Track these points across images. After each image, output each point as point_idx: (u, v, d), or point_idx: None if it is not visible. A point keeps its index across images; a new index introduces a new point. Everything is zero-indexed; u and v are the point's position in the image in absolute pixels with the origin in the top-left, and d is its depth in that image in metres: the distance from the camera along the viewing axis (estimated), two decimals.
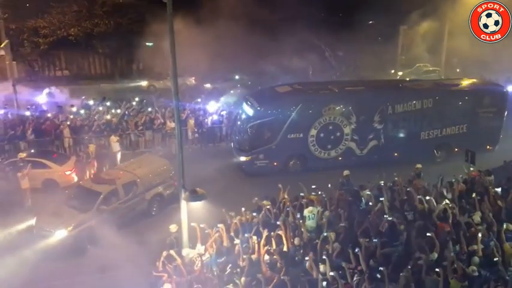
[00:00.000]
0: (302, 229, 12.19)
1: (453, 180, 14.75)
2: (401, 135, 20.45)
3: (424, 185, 14.96)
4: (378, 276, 10.14)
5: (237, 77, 35.79)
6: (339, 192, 14.34)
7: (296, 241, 11.72)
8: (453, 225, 11.96)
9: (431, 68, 38.10)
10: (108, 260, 12.78)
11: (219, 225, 12.45)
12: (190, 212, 12.03)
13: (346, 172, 15.78)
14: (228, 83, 33.82)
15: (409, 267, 10.19)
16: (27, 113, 24.09)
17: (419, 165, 16.25)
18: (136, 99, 27.98)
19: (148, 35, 32.64)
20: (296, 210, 13.21)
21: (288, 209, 13.33)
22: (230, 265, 11.14)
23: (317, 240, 11.68)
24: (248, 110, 20.30)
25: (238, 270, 10.80)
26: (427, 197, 13.48)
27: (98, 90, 33.73)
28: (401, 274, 9.98)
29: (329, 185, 14.98)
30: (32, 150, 19.72)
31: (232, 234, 12.38)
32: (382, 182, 14.71)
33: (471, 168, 16.21)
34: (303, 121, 19.52)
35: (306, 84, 22.76)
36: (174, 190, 16.83)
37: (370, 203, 13.61)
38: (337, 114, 19.68)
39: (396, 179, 15.01)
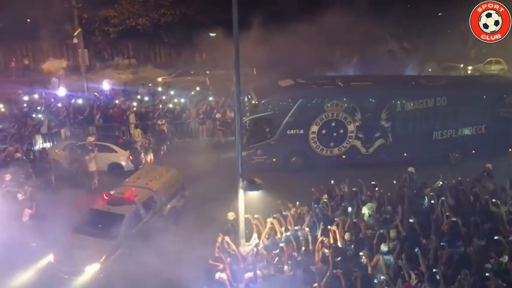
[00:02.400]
0: (361, 225, 12.05)
1: None
2: (412, 134, 19.21)
3: (491, 186, 14.27)
4: (438, 277, 9.83)
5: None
6: (399, 188, 13.98)
7: (346, 236, 11.57)
8: None
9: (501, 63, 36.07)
10: None
11: (268, 219, 12.45)
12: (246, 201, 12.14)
13: (410, 169, 15.28)
14: None
15: (470, 271, 9.81)
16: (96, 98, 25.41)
17: (489, 165, 15.48)
18: (197, 88, 28.54)
19: (212, 25, 33.11)
20: (354, 205, 13.04)
21: (343, 203, 13.23)
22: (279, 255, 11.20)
23: (375, 241, 11.45)
24: (248, 103, 19.92)
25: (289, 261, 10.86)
26: (493, 199, 12.87)
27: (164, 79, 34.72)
28: (459, 278, 9.63)
29: (394, 181, 14.60)
30: (100, 135, 20.74)
31: (288, 226, 12.39)
32: (441, 181, 14.22)
33: None
34: (303, 117, 18.79)
35: (311, 78, 21.83)
36: (184, 201, 16.12)
37: (433, 201, 13.20)
38: (340, 111, 18.83)
39: (460, 178, 14.42)
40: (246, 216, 12.16)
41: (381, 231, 11.54)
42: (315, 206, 13.08)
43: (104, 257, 12.65)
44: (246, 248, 11.96)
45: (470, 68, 36.77)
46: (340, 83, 20.28)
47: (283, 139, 18.94)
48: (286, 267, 10.66)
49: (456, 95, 19.50)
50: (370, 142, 19.31)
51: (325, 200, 13.34)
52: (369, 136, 19.23)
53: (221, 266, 10.76)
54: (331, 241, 11.56)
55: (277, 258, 11.02)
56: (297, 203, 13.37)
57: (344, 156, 19.34)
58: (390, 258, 10.64)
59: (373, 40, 33.04)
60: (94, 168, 17.88)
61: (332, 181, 14.33)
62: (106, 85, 28.70)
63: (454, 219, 11.70)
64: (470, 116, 19.40)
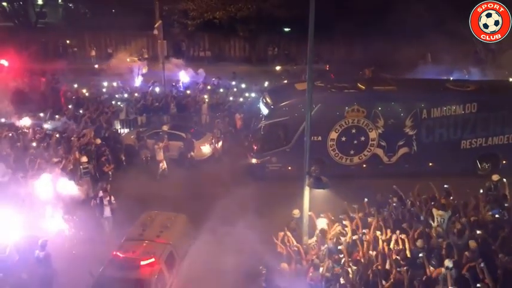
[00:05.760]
0: (432, 233, 11.67)
1: None
2: (438, 143, 18.08)
3: None
4: None
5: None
6: (477, 197, 13.32)
7: (419, 243, 11.14)
8: None
9: None
10: None
11: (341, 221, 12.26)
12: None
13: (494, 176, 14.43)
14: None
15: None
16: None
17: None
18: (266, 83, 28.61)
19: (288, 20, 32.90)
20: (426, 212, 12.61)
21: (411, 209, 12.86)
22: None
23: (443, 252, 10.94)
24: (263, 108, 19.04)
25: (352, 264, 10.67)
26: None
27: (236, 72, 35.16)
28: None
29: (480, 190, 13.88)
30: (173, 124, 21.40)
31: (354, 228, 12.15)
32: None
33: None
34: (321, 123, 17.35)
35: (331, 81, 20.40)
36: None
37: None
38: (362, 117, 17.75)
39: None
40: (309, 213, 12.09)
41: (449, 241, 11.11)
42: (385, 210, 12.74)
43: None
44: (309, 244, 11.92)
45: None
46: (361, 87, 19.01)
47: (299, 146, 17.96)
48: (350, 270, 10.49)
49: (487, 100, 18.20)
50: (393, 151, 18.20)
51: (394, 204, 12.99)
52: (391, 144, 18.14)
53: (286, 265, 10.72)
54: (400, 247, 11.24)
55: (343, 260, 10.86)
56: (365, 206, 13.11)
57: (365, 165, 18.32)
58: (449, 273, 10.09)
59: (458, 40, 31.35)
60: (161, 157, 18.28)
61: (394, 186, 13.86)
62: (184, 76, 29.51)
63: None
64: (501, 124, 18.14)
